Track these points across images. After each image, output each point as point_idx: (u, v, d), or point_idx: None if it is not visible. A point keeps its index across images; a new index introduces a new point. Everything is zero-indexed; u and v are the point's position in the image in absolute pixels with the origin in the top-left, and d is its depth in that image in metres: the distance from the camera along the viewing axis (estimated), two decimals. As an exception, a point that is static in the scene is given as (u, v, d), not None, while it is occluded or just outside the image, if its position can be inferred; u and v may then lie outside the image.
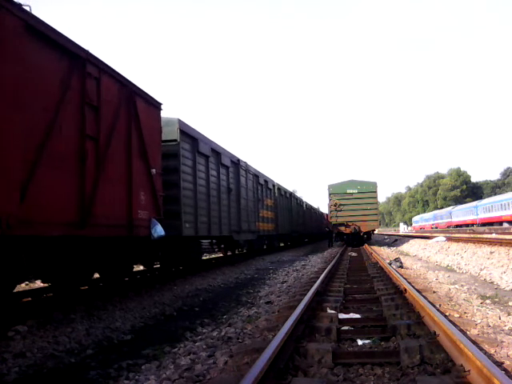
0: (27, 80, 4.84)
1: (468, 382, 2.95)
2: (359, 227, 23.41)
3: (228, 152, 13.46)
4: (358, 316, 5.20)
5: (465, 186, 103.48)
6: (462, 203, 76.54)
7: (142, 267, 11.41)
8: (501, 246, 12.60)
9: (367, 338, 4.26)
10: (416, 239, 24.82)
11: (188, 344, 4.78)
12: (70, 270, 6.70)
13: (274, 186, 21.07)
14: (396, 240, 29.85)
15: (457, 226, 58.23)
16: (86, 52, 5.92)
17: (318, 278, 7.95)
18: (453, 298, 6.51)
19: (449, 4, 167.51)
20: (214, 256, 17.77)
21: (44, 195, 5.02)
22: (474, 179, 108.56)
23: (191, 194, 9.93)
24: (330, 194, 24.17)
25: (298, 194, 35.03)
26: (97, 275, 8.27)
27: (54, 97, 5.30)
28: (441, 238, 20.90)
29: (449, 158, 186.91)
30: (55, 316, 5.78)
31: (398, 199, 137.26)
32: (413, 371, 3.34)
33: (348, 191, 23.92)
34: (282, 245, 26.72)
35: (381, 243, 27.17)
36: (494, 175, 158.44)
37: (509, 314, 5.27)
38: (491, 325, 4.71)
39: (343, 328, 4.66)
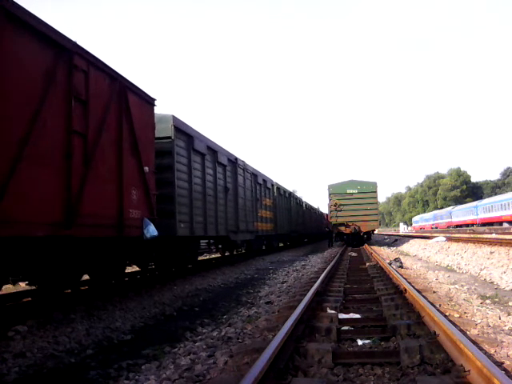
0: (6, 71, 4.59)
1: (468, 381, 2.95)
2: (359, 227, 23.41)
3: (225, 150, 13.17)
4: (358, 316, 5.20)
5: (465, 186, 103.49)
6: (462, 203, 76.55)
7: (139, 268, 11.10)
8: (501, 246, 12.60)
9: (367, 338, 4.26)
10: (416, 239, 24.83)
11: (188, 344, 4.79)
12: (56, 272, 6.46)
13: (272, 185, 20.90)
14: (396, 240, 29.86)
15: (457, 226, 58.24)
16: (73, 43, 5.63)
17: (318, 278, 7.95)
18: (453, 298, 6.51)
19: (449, 4, 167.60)
20: (213, 256, 17.76)
21: (26, 193, 4.77)
22: (473, 179, 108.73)
23: (186, 193, 9.69)
24: (330, 194, 24.18)
25: (298, 194, 35.04)
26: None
27: (37, 89, 5.02)
28: (441, 238, 20.91)
29: (449, 157, 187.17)
30: (55, 316, 5.78)
31: (398, 199, 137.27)
32: (413, 371, 3.34)
33: (348, 191, 23.93)
34: (281, 245, 26.66)
35: (381, 243, 27.18)
36: (494, 175, 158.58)
37: (509, 314, 5.27)
38: (491, 325, 4.71)
39: (343, 328, 4.66)
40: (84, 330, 5.45)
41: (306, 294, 6.02)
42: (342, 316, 5.11)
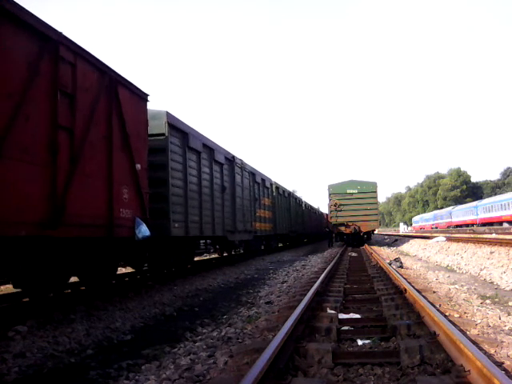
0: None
1: (468, 382, 2.95)
2: (359, 227, 23.41)
3: (222, 148, 12.82)
4: (358, 316, 5.20)
5: (465, 186, 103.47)
6: (462, 203, 76.53)
7: (133, 269, 10.84)
8: (501, 246, 12.60)
9: (367, 338, 4.26)
10: (416, 239, 24.82)
11: (188, 344, 4.79)
12: (41, 274, 6.22)
13: (271, 184, 20.60)
14: (396, 240, 29.86)
15: (457, 226, 58.25)
16: (59, 34, 5.34)
17: (318, 278, 7.95)
18: (453, 298, 6.51)
19: (449, 3, 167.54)
20: (212, 256, 17.74)
21: (6, 191, 4.52)
22: (474, 179, 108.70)
23: (181, 192, 9.38)
24: (330, 194, 24.18)
25: (298, 194, 35.03)
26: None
27: (19, 82, 4.76)
28: (441, 238, 20.90)
29: (449, 157, 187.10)
30: (55, 316, 5.78)
31: (398, 199, 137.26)
32: (413, 371, 3.34)
33: (348, 191, 23.93)
34: (280, 245, 26.59)
35: (381, 243, 27.18)
36: (494, 175, 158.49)
37: (509, 314, 5.27)
38: (491, 325, 4.71)
39: (343, 328, 4.66)
40: (84, 330, 5.45)
41: (306, 294, 6.02)
42: (342, 316, 5.11)
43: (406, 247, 22.19)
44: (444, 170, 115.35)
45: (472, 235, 25.05)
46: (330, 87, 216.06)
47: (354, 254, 16.87)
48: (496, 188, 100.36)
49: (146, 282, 9.34)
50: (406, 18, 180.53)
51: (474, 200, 70.62)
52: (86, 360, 4.54)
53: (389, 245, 25.44)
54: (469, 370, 3.01)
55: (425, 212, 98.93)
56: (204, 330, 5.53)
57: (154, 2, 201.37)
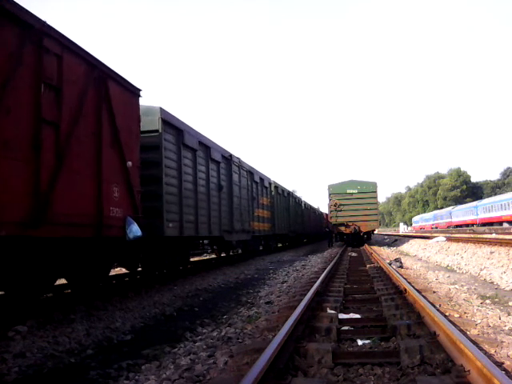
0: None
1: (468, 382, 2.95)
2: (359, 227, 23.42)
3: (219, 146, 12.52)
4: (358, 316, 5.20)
5: (465, 186, 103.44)
6: (462, 203, 76.53)
7: (127, 270, 10.57)
8: (501, 246, 12.60)
9: (367, 338, 4.26)
10: (416, 239, 24.83)
11: (188, 344, 4.79)
12: (26, 276, 5.95)
13: (270, 184, 20.31)
14: (396, 240, 29.86)
15: (457, 226, 58.25)
16: (43, 23, 5.05)
17: (318, 278, 7.95)
18: (453, 298, 6.51)
19: (448, 3, 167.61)
20: (213, 256, 17.73)
21: None
22: (473, 179, 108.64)
23: (175, 191, 9.07)
24: (330, 194, 24.19)
25: (298, 194, 34.98)
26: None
27: None
28: (441, 238, 20.90)
29: (449, 157, 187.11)
30: (55, 316, 5.78)
31: (397, 199, 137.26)
32: (413, 371, 3.34)
33: (348, 191, 23.93)
34: (280, 245, 26.50)
35: (381, 243, 27.18)
36: (494, 175, 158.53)
37: (509, 314, 5.27)
38: (491, 325, 4.72)
39: (343, 328, 4.66)
40: (84, 330, 5.45)
41: (306, 294, 6.02)
42: (341, 316, 5.11)
43: (405, 247, 22.20)
44: (444, 170, 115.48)
45: (472, 235, 25.04)
46: (330, 87, 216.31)
47: (353, 254, 16.88)
48: (496, 188, 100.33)
49: (146, 282, 9.33)
50: (406, 18, 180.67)
51: (473, 200, 70.63)
52: (86, 360, 4.55)
53: (389, 245, 25.44)
54: (469, 370, 3.01)
55: (425, 212, 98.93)
56: (204, 330, 5.53)
57: (154, 2, 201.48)
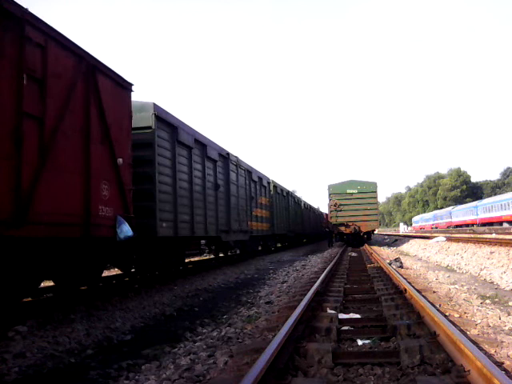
0: None
1: (468, 382, 2.95)
2: (359, 227, 23.42)
3: (215, 144, 12.18)
4: (358, 316, 5.20)
5: (465, 186, 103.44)
6: (462, 203, 76.54)
7: (121, 271, 10.18)
8: (501, 246, 12.60)
9: (367, 338, 4.26)
10: (416, 239, 24.83)
11: (188, 344, 4.79)
12: (6, 278, 5.61)
13: (269, 183, 19.97)
14: (396, 240, 29.87)
15: (457, 226, 58.25)
16: (24, 11, 4.78)
17: (318, 278, 7.95)
18: (453, 298, 6.51)
19: (448, 3, 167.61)
20: (213, 256, 17.71)
21: None
22: (474, 179, 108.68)
23: (169, 190, 8.78)
24: (330, 194, 24.19)
25: (298, 194, 34.96)
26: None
27: None
28: (441, 238, 20.90)
29: (449, 157, 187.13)
30: (55, 316, 5.78)
31: (398, 199, 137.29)
32: (413, 371, 3.34)
33: (348, 191, 23.93)
34: (279, 245, 26.41)
35: (381, 243, 27.19)
36: (494, 175, 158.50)
37: (509, 314, 5.27)
38: (491, 325, 4.72)
39: (343, 328, 4.66)
40: (84, 330, 5.45)
41: (305, 294, 6.02)
42: (341, 316, 5.11)
43: (405, 247, 22.20)
44: (444, 170, 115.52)
45: (472, 235, 25.04)
46: (330, 87, 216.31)
47: (353, 254, 16.88)
48: (496, 188, 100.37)
49: (146, 282, 9.33)
50: (406, 18, 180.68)
51: (473, 200, 70.65)
52: (86, 360, 4.55)
53: (389, 245, 25.45)
54: (469, 370, 3.01)
55: (425, 212, 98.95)
56: (204, 330, 5.53)
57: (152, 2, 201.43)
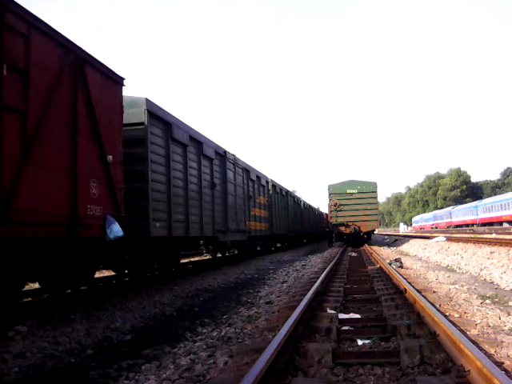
0: None
1: (468, 382, 2.95)
2: (359, 227, 23.42)
3: (212, 142, 11.84)
4: (358, 316, 5.20)
5: (465, 186, 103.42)
6: (462, 203, 76.53)
7: (114, 273, 9.82)
8: (501, 246, 12.60)
9: (367, 338, 4.26)
10: (416, 239, 24.83)
11: (188, 344, 4.79)
12: None
13: (267, 182, 19.71)
14: (396, 240, 29.86)
15: (457, 226, 58.24)
16: None
17: (318, 278, 7.95)
18: (453, 298, 6.51)
19: (449, 4, 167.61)
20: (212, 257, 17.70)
21: None
22: (474, 179, 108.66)
23: (163, 188, 8.50)
24: (330, 194, 24.20)
25: (298, 194, 34.92)
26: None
27: None
28: (441, 238, 20.90)
29: (449, 157, 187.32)
30: (55, 316, 5.78)
31: (398, 199, 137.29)
32: (413, 371, 3.34)
33: (348, 191, 23.94)
34: (278, 245, 26.34)
35: (381, 243, 27.19)
36: (494, 175, 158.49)
37: (509, 314, 5.27)
38: (491, 325, 4.72)
39: (343, 328, 4.66)
40: (84, 330, 5.45)
41: (305, 294, 6.02)
42: (341, 316, 5.11)
43: (405, 247, 22.20)
44: (444, 170, 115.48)
45: (472, 235, 25.03)
46: (331, 87, 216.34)
47: (354, 254, 16.88)
48: (496, 188, 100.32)
49: (146, 282, 9.32)
50: (406, 18, 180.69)
51: (473, 200, 70.63)
52: (86, 360, 4.55)
53: (389, 245, 25.45)
54: (469, 370, 3.01)
55: (425, 212, 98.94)
56: (204, 330, 5.53)
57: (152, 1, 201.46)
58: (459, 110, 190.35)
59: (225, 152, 13.05)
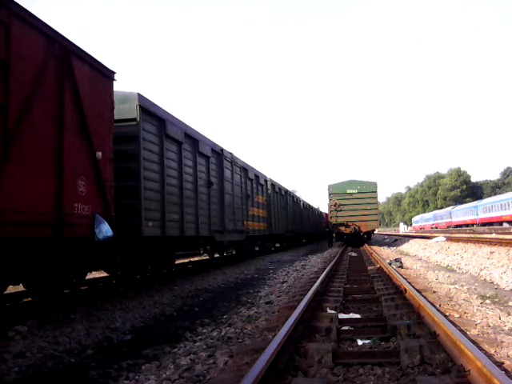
0: None
1: (468, 381, 2.95)
2: (359, 227, 23.44)
3: (208, 139, 11.54)
4: (357, 316, 5.20)
5: (465, 186, 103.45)
6: (462, 203, 76.53)
7: (107, 274, 9.34)
8: (501, 246, 12.60)
9: (367, 338, 4.26)
10: (416, 239, 24.83)
11: (188, 344, 4.79)
12: None
13: (266, 181, 19.41)
14: (396, 240, 29.87)
15: (457, 226, 58.25)
16: None
17: (318, 277, 7.95)
18: (453, 298, 6.51)
19: (449, 3, 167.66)
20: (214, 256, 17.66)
21: None
22: (474, 179, 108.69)
23: (156, 187, 8.24)
24: (329, 194, 24.22)
25: (298, 194, 34.89)
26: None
27: None
28: (441, 237, 20.90)
29: (449, 157, 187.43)
30: (55, 316, 5.78)
31: (398, 199, 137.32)
32: (413, 371, 3.34)
33: (348, 191, 23.96)
34: (278, 245, 26.25)
35: (381, 243, 27.20)
36: (494, 175, 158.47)
37: (509, 314, 5.27)
38: (491, 325, 4.72)
39: (343, 328, 4.66)
40: (84, 330, 5.45)
41: (305, 294, 6.02)
42: (341, 316, 5.11)
43: (405, 247, 22.20)
44: (444, 170, 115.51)
45: (472, 235, 25.03)
46: (331, 87, 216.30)
47: (353, 254, 16.88)
48: (496, 188, 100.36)
49: (146, 282, 9.32)
50: (406, 18, 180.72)
51: (473, 200, 70.63)
52: (86, 360, 4.55)
53: (389, 245, 25.46)
54: (469, 370, 3.01)
55: (425, 212, 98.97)
56: (204, 330, 5.53)
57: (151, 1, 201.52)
58: (459, 109, 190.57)
59: (222, 150, 12.82)
